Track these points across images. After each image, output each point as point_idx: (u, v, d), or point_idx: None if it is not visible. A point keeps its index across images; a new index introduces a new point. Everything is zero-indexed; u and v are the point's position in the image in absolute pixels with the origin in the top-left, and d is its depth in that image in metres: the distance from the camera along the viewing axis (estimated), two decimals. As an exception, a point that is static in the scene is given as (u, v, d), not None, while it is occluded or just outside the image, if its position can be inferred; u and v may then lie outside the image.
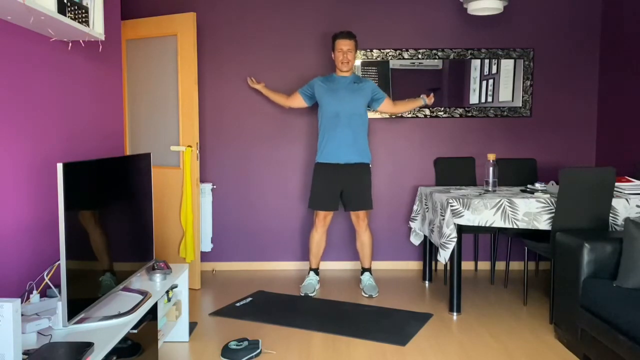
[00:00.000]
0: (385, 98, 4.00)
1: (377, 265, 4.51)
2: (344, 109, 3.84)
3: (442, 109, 4.57)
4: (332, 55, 3.95)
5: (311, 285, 3.96)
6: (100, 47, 2.99)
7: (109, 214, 2.39)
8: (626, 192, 3.40)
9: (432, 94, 4.08)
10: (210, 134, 4.54)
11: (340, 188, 3.91)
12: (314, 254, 4.05)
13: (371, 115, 4.49)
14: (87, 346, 1.82)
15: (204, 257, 4.50)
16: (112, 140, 3.25)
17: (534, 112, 4.61)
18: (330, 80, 3.94)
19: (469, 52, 4.53)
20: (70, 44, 2.67)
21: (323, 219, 3.97)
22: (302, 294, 3.89)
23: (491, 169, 3.72)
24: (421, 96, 4.08)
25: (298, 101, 4.06)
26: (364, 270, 4.08)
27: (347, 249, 4.56)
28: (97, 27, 2.55)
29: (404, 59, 4.52)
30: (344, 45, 3.85)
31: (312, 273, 4.06)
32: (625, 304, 2.46)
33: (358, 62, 4.50)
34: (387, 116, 4.54)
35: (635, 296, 2.50)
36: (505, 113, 4.59)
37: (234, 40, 4.50)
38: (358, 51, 4.47)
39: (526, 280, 3.70)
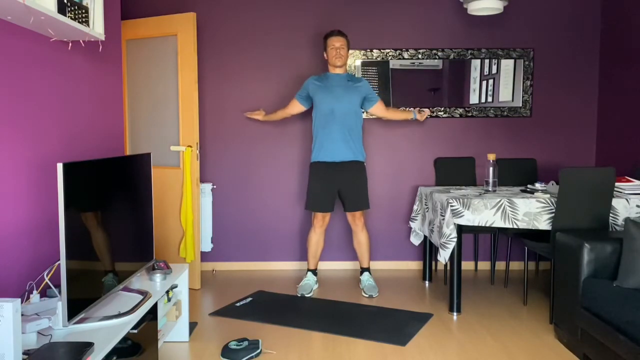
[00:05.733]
0: (378, 101, 3.99)
1: (377, 265, 4.51)
2: (338, 107, 3.83)
3: (442, 109, 4.57)
4: (325, 55, 3.95)
5: (308, 285, 3.95)
6: (100, 47, 2.99)
7: (109, 214, 2.39)
8: (626, 192, 3.40)
9: (425, 112, 4.13)
10: (210, 134, 4.54)
11: (337, 187, 3.91)
12: (312, 255, 4.05)
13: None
14: (87, 346, 1.82)
15: (204, 257, 4.50)
16: (112, 140, 3.25)
17: (534, 112, 4.61)
18: (325, 78, 3.93)
19: (469, 52, 4.53)
20: (70, 44, 2.67)
21: (322, 219, 3.97)
22: (299, 295, 3.89)
23: (491, 169, 3.72)
24: (413, 110, 4.14)
25: (297, 107, 4.05)
26: (363, 270, 4.08)
27: (347, 249, 4.56)
28: (97, 27, 2.55)
29: (404, 59, 4.52)
30: (337, 42, 3.85)
31: (309, 274, 4.05)
32: (625, 304, 2.46)
33: (358, 62, 4.50)
34: (387, 116, 4.54)
35: (635, 296, 2.50)
36: (505, 113, 4.59)
37: (233, 40, 4.50)
38: (358, 51, 4.47)
39: (526, 280, 3.70)
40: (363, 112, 4.10)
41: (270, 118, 4.26)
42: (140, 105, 4.10)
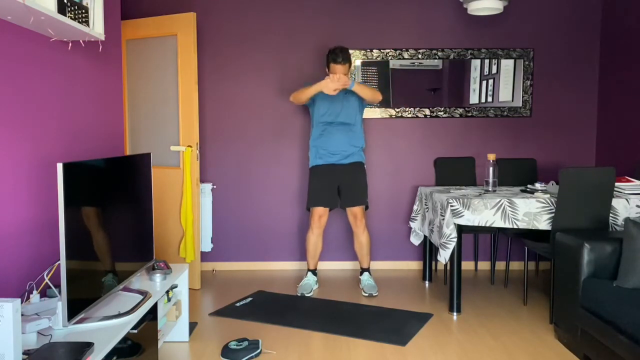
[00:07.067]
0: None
1: (377, 265, 4.51)
2: (338, 120, 3.87)
3: (442, 109, 4.57)
4: (326, 70, 3.88)
5: (308, 285, 3.96)
6: (100, 47, 2.99)
7: (109, 214, 2.39)
8: (626, 192, 3.40)
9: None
10: (210, 134, 4.54)
11: (337, 184, 3.93)
12: (311, 256, 4.05)
13: (371, 115, 4.50)
14: (87, 346, 1.82)
15: (204, 257, 4.50)
16: (112, 140, 3.25)
17: (534, 112, 4.61)
18: None
19: (469, 52, 4.53)
20: (70, 44, 2.67)
21: (318, 219, 3.97)
22: (299, 294, 3.89)
23: (491, 169, 3.72)
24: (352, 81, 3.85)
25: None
26: (363, 270, 4.08)
27: (347, 249, 4.56)
28: (97, 27, 2.55)
29: (404, 59, 4.52)
30: (340, 70, 3.78)
31: (309, 274, 4.06)
32: (625, 304, 2.46)
33: (358, 62, 4.50)
34: (387, 116, 4.55)
35: (635, 296, 2.50)
36: (505, 113, 4.59)
37: (234, 40, 4.50)
38: (358, 51, 4.48)
39: (526, 280, 3.70)
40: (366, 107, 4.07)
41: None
42: (140, 105, 4.10)
